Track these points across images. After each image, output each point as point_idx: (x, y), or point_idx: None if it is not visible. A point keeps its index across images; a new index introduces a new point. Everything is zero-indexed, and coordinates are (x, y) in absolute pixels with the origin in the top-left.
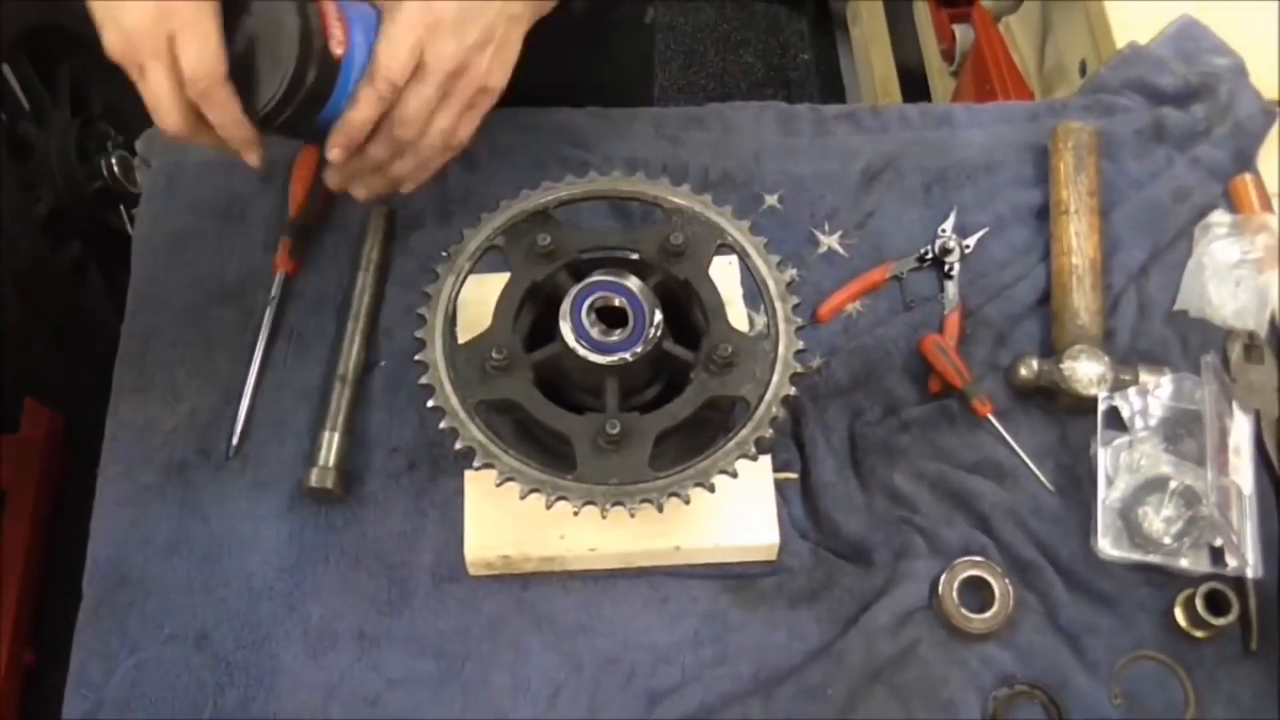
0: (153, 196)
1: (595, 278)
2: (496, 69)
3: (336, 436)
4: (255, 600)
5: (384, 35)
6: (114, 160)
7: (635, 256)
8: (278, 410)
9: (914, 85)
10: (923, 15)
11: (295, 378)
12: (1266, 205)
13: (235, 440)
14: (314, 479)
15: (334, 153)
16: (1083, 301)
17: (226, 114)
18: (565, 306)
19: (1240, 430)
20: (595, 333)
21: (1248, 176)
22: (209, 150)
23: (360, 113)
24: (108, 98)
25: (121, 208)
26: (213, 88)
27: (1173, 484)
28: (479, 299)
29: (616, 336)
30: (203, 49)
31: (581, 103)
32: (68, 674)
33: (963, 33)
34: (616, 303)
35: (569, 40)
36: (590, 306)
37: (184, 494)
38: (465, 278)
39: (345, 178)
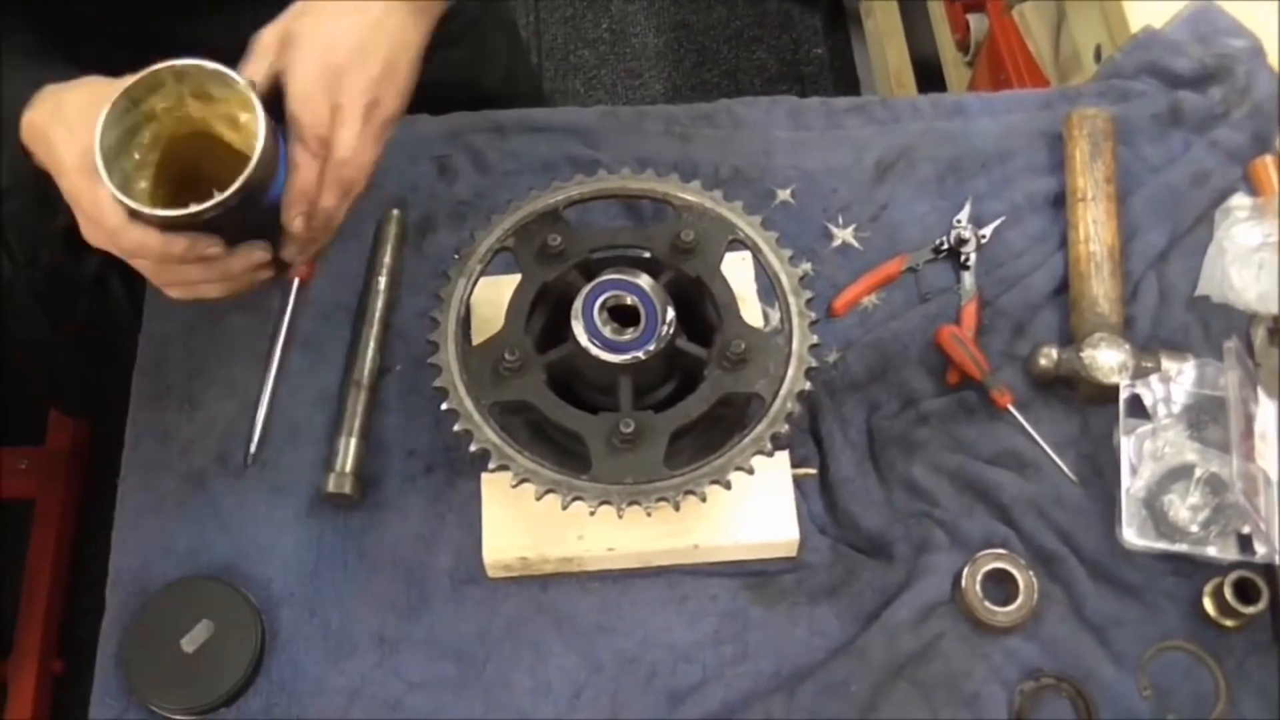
0: None
1: (606, 276)
2: (397, 97)
3: (353, 441)
4: (276, 606)
5: (292, 92)
6: None
7: (647, 255)
8: (294, 417)
9: (929, 77)
10: (936, 6)
11: (311, 384)
12: None
13: (253, 447)
14: (332, 484)
15: (297, 222)
16: (1102, 289)
17: (148, 251)
18: (577, 306)
19: (1266, 415)
20: (608, 331)
21: (1268, 158)
22: None
23: (304, 174)
24: None
25: None
26: (121, 237)
27: (1198, 471)
28: (493, 300)
29: (629, 335)
30: (100, 213)
31: (457, 98)
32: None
33: (977, 22)
34: (629, 301)
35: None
36: (602, 305)
37: (203, 502)
38: (476, 280)
39: (305, 243)
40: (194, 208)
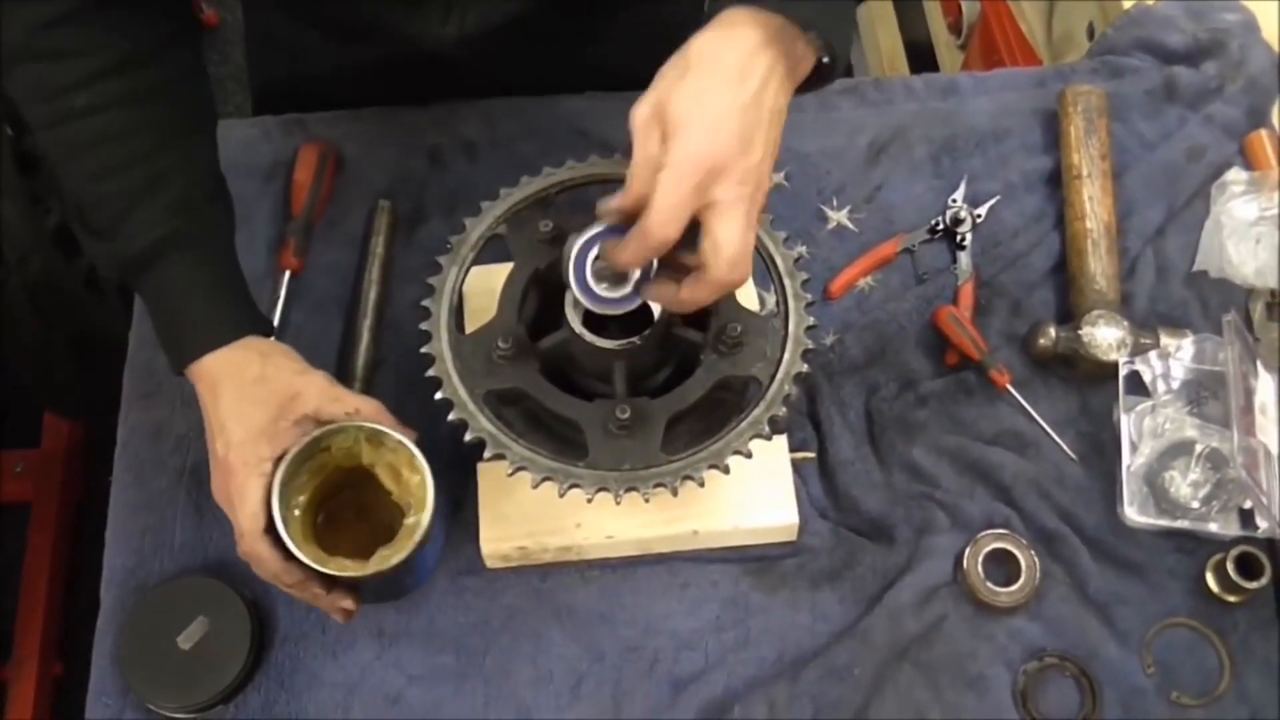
0: None
1: (596, 229)
2: (770, 169)
3: None
4: (272, 602)
5: (660, 197)
6: None
7: None
8: None
9: (921, 60)
10: None
11: None
12: None
13: None
14: None
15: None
16: (1099, 266)
17: (264, 567)
18: (569, 250)
19: (1265, 389)
20: (601, 289)
21: (1263, 132)
22: None
23: (661, 292)
24: None
25: None
26: (248, 542)
27: (1198, 447)
28: (486, 289)
29: (622, 292)
30: (243, 510)
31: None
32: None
33: (969, 5)
34: None
35: (622, 33)
36: (595, 258)
37: (198, 498)
38: (468, 268)
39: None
40: (335, 571)
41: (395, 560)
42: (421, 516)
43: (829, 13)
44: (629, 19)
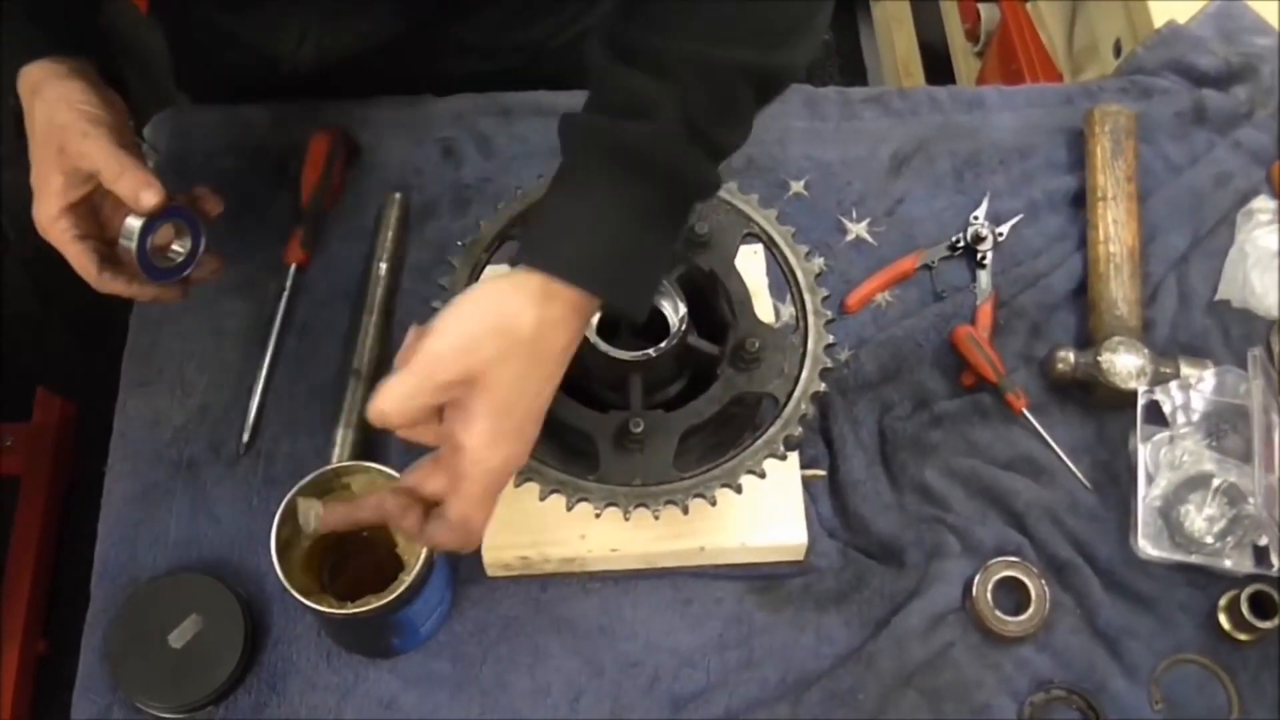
0: None
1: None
2: (510, 456)
3: (351, 433)
4: (267, 601)
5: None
6: None
7: None
8: (290, 406)
9: (937, 66)
10: None
11: (308, 372)
12: None
13: (247, 437)
14: None
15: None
16: (1121, 291)
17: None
18: (132, 231)
19: None
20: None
21: None
22: (218, 137)
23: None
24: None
25: None
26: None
27: (1216, 481)
28: None
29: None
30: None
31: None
32: (77, 673)
33: (988, 12)
34: None
35: None
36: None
37: (194, 492)
38: (482, 269)
39: None
40: (315, 605)
41: (368, 607)
42: (404, 577)
43: (619, 281)
44: (482, 32)
